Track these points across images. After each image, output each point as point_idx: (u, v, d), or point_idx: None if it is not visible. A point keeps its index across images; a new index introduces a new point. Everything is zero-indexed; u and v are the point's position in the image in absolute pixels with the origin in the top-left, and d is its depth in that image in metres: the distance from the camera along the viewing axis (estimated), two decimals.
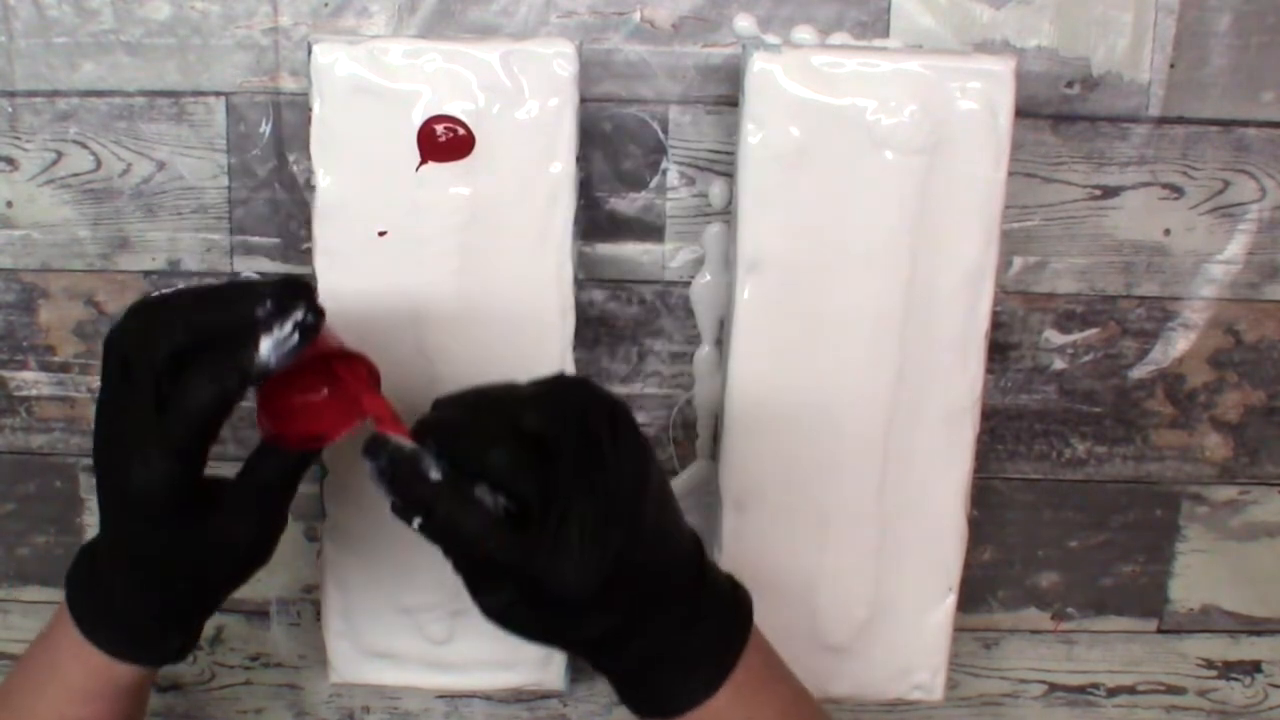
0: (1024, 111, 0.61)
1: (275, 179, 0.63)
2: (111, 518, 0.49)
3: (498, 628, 0.49)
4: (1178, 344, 0.66)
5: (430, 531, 0.46)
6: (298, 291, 0.46)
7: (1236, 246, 0.65)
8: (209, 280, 0.64)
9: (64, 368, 0.65)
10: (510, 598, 0.47)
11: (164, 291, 0.49)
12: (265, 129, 0.63)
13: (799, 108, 0.57)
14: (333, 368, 0.49)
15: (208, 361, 0.45)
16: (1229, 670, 0.71)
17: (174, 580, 0.50)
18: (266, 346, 0.45)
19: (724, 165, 0.63)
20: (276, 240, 0.64)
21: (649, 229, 0.64)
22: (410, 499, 0.46)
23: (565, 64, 0.57)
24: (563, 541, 0.44)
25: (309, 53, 0.57)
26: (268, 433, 0.50)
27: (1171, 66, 0.62)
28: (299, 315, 0.45)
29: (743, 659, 0.49)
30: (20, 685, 0.53)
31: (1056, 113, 0.63)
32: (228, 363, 0.45)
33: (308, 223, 0.59)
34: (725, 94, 0.62)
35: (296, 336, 0.45)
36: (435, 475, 0.45)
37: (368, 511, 0.61)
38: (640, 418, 0.66)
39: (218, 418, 0.46)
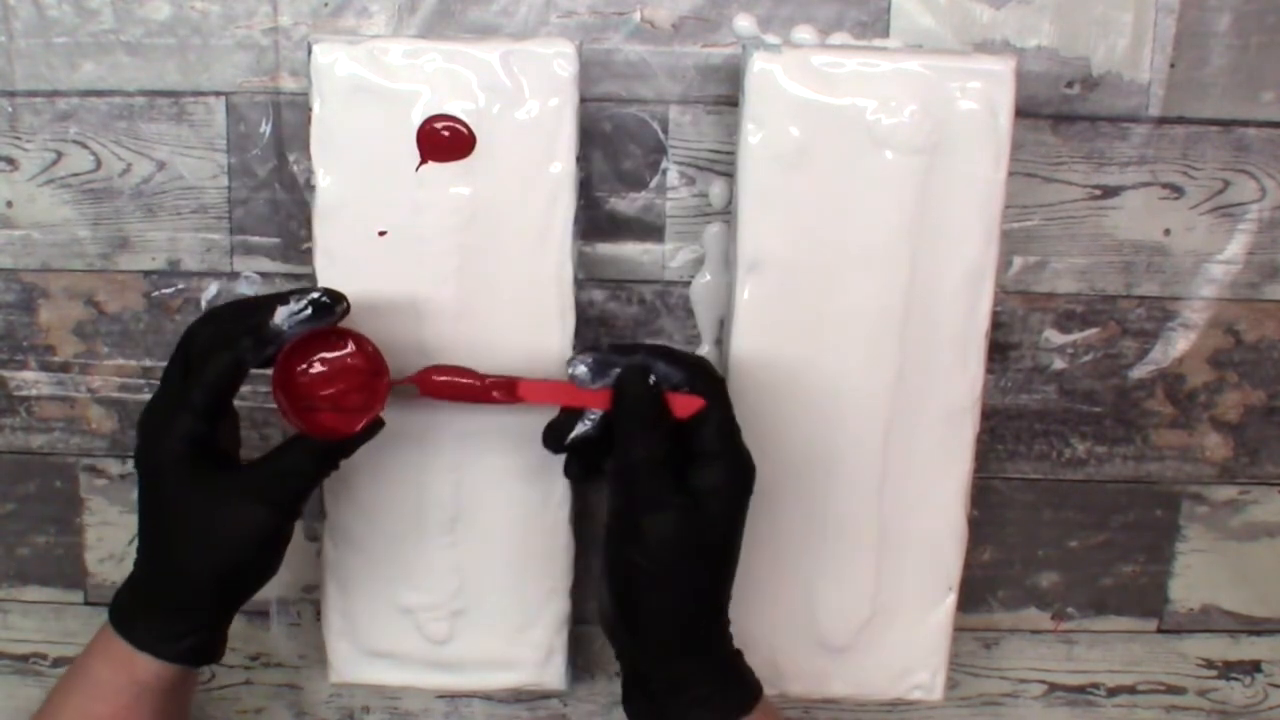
0: (1024, 111, 0.61)
1: (275, 179, 0.63)
2: (142, 489, 0.53)
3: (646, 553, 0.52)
4: (1178, 344, 0.66)
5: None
6: (321, 289, 0.54)
7: (1236, 246, 0.65)
8: (208, 280, 0.64)
9: (64, 368, 0.65)
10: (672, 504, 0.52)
11: None
12: (265, 129, 0.63)
13: (799, 108, 0.57)
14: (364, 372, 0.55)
15: (226, 329, 0.53)
16: (1229, 670, 0.71)
17: (187, 561, 0.52)
18: (281, 315, 0.53)
19: (724, 165, 0.63)
20: (276, 240, 0.64)
21: (649, 229, 0.64)
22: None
23: (565, 64, 0.57)
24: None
25: (309, 53, 0.57)
26: (295, 422, 0.54)
27: (1171, 66, 0.62)
28: (315, 294, 0.54)
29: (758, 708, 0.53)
30: (56, 686, 0.55)
31: (1056, 113, 0.63)
32: (243, 326, 0.53)
33: (308, 223, 0.59)
34: (725, 94, 0.62)
35: (310, 310, 0.54)
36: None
37: (368, 511, 0.61)
38: None
39: (233, 377, 0.53)
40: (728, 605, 0.54)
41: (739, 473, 0.53)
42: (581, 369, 0.54)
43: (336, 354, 0.54)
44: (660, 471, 0.52)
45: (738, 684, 0.53)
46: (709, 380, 0.54)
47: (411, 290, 0.59)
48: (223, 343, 0.53)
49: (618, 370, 0.54)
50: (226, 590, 0.54)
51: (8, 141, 0.63)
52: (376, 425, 0.55)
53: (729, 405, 0.54)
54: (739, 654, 0.54)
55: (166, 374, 0.54)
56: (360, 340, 0.54)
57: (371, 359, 0.54)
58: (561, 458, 0.57)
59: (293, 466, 0.54)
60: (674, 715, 0.52)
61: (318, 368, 0.54)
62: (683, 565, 0.51)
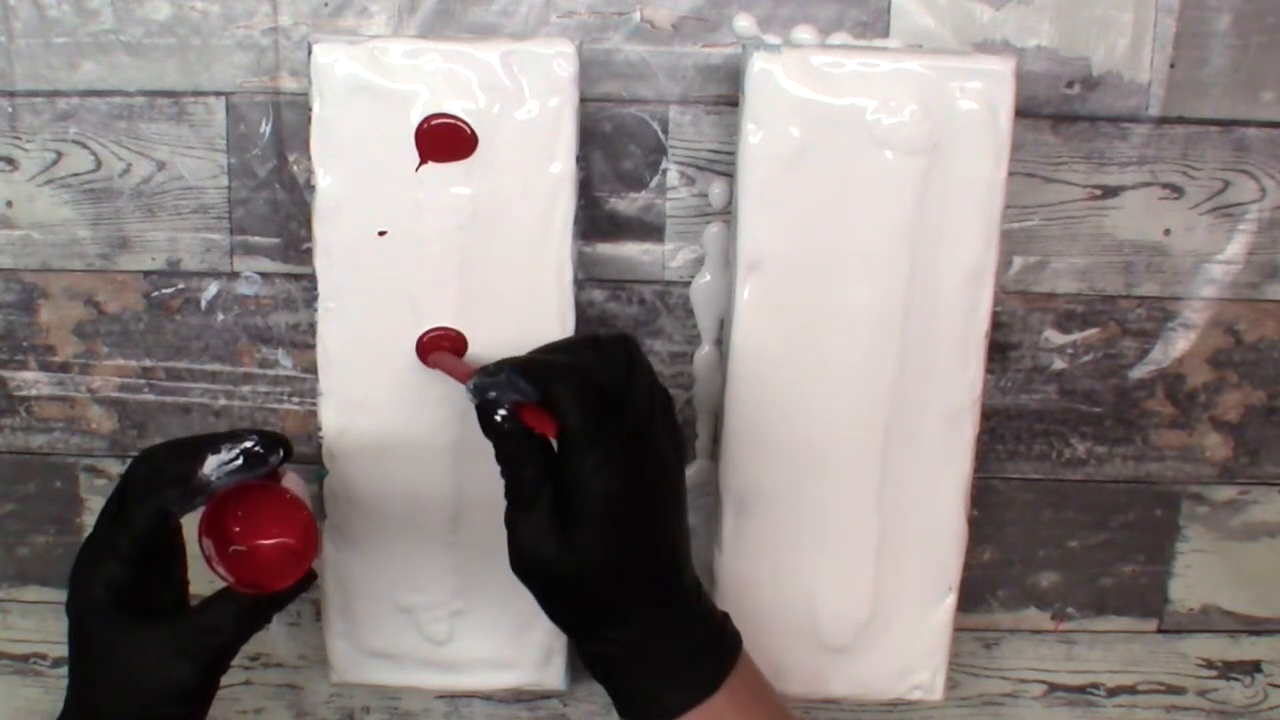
0: (1024, 111, 0.61)
1: (275, 179, 0.63)
2: (68, 632, 0.52)
3: (530, 572, 0.50)
4: (1178, 344, 0.66)
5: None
6: (257, 432, 0.52)
7: (1236, 246, 0.65)
8: (208, 280, 0.64)
9: (64, 368, 0.65)
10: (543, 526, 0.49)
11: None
12: (265, 129, 0.63)
13: (799, 108, 0.57)
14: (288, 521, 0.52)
15: (159, 473, 0.51)
16: (1229, 670, 0.71)
17: (107, 709, 0.51)
18: (211, 464, 0.51)
19: (724, 165, 0.63)
20: (276, 240, 0.64)
21: (649, 229, 0.64)
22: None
23: (565, 64, 0.57)
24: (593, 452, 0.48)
25: (309, 53, 0.57)
26: (221, 574, 0.51)
27: (1171, 66, 0.62)
28: (248, 444, 0.51)
29: (735, 672, 0.51)
30: None
31: (1056, 113, 0.63)
32: (172, 473, 0.51)
33: (308, 223, 0.59)
34: (725, 94, 0.62)
35: (240, 460, 0.51)
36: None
37: (368, 511, 0.61)
38: None
39: (159, 526, 0.51)
40: (675, 567, 0.51)
41: (612, 483, 0.48)
42: (468, 394, 0.50)
43: (269, 504, 0.51)
44: (525, 496, 0.49)
45: (721, 637, 0.52)
46: (562, 399, 0.48)
47: (411, 290, 0.59)
48: (152, 489, 0.51)
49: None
50: None
51: (8, 141, 0.63)
52: (307, 580, 0.52)
53: (586, 421, 0.48)
54: (709, 624, 0.52)
55: (102, 513, 0.52)
56: (289, 495, 0.52)
57: (303, 515, 0.52)
58: None
59: (218, 621, 0.51)
60: (642, 689, 0.51)
61: (249, 516, 0.51)
62: (570, 579, 0.49)
